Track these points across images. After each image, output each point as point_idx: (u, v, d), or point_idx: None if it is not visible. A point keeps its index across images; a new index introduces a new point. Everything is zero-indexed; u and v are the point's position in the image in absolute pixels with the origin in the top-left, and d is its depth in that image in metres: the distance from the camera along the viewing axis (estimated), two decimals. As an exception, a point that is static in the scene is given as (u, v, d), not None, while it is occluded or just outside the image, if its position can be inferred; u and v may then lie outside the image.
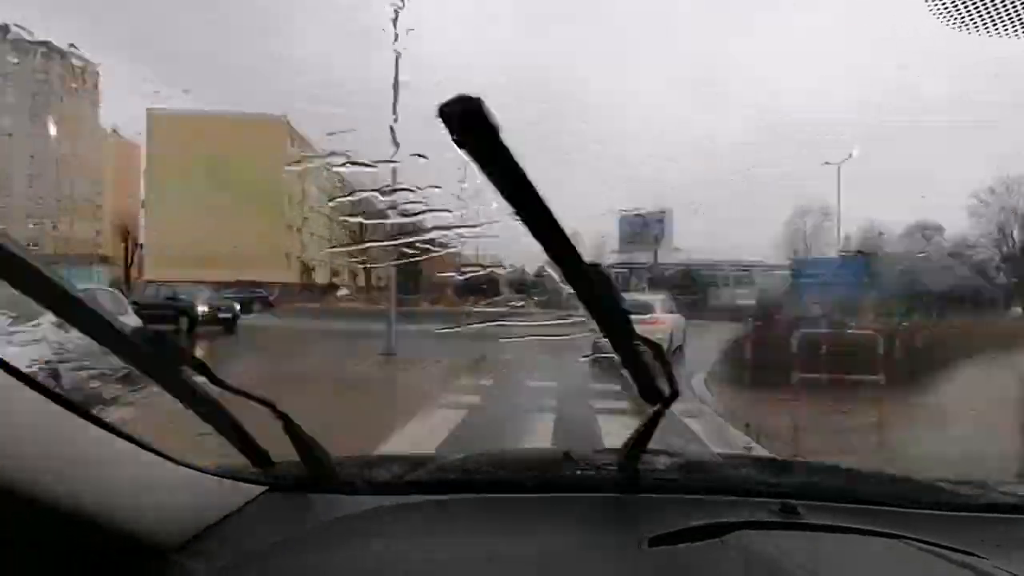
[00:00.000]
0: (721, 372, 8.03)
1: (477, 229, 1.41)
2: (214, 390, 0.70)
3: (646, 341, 0.73)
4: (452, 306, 15.11)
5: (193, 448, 0.79)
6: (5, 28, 24.34)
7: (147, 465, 0.66)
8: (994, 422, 4.69)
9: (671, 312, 10.35)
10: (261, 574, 0.67)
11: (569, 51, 44.24)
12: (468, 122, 0.43)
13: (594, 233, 26.13)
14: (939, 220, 23.47)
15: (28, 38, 27.53)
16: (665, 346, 8.59)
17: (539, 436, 4.64)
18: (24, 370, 0.52)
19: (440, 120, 0.42)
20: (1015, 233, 24.26)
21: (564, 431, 4.79)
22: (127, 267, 31.32)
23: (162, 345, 0.63)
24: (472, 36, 43.59)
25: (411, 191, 1.49)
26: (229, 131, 26.11)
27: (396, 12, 1.93)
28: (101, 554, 0.59)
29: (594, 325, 0.65)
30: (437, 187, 1.39)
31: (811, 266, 18.56)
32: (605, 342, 0.70)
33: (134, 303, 10.03)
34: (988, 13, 1.72)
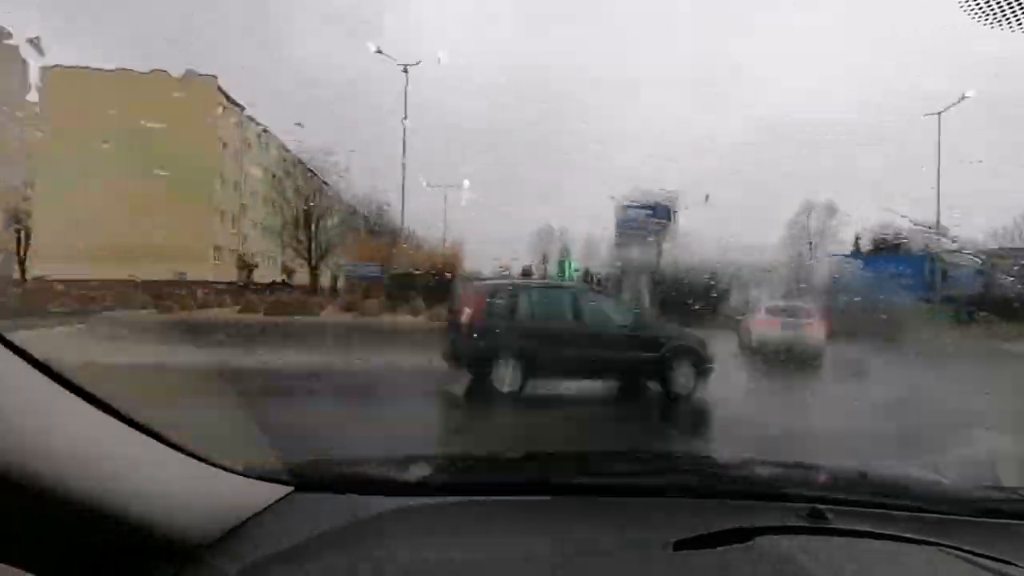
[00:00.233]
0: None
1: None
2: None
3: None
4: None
5: (221, 448, 0.87)
6: None
7: (176, 464, 0.76)
8: None
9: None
10: (288, 573, 0.75)
11: (569, 51, 46.80)
12: None
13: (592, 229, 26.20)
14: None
15: None
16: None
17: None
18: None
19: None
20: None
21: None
22: (20, 260, 29.65)
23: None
24: (471, 36, 44.73)
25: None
26: (142, 93, 23.86)
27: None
28: (128, 551, 0.67)
29: None
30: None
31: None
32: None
33: None
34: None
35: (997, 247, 23.15)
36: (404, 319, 10.42)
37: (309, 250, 25.11)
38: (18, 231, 29.78)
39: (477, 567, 0.79)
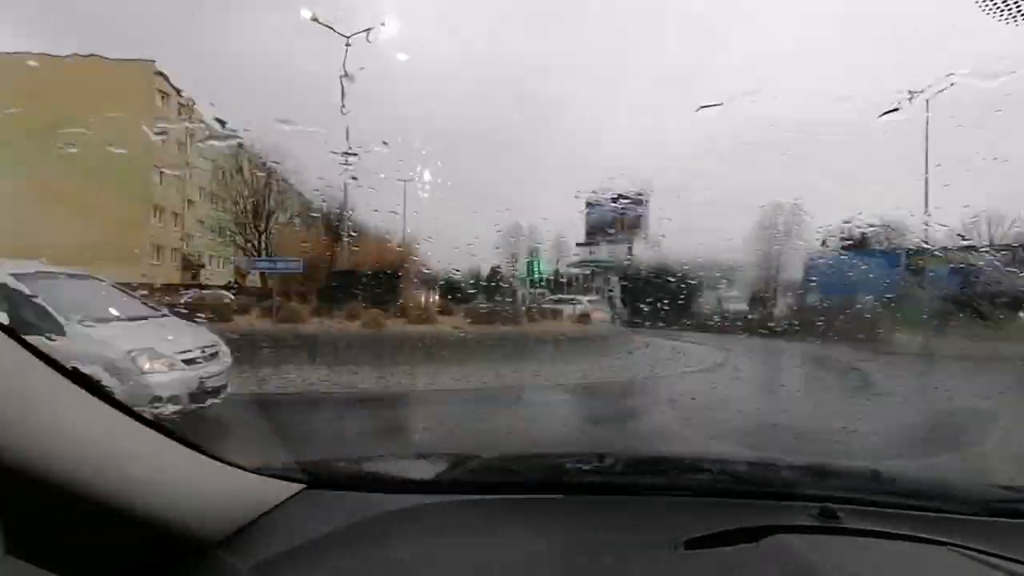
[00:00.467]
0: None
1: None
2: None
3: None
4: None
5: (234, 446, 1.19)
6: None
7: (190, 461, 0.78)
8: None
9: None
10: (299, 570, 0.77)
11: (543, 44, 45.56)
12: None
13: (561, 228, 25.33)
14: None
15: None
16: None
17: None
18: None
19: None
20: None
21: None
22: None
23: None
24: (450, 36, 43.48)
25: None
26: (69, 79, 22.50)
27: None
28: (144, 548, 0.68)
29: None
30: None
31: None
32: None
33: None
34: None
35: (963, 245, 23.27)
36: (336, 325, 9.11)
37: (258, 249, 23.59)
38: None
39: (487, 565, 0.80)
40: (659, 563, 0.82)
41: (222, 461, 0.83)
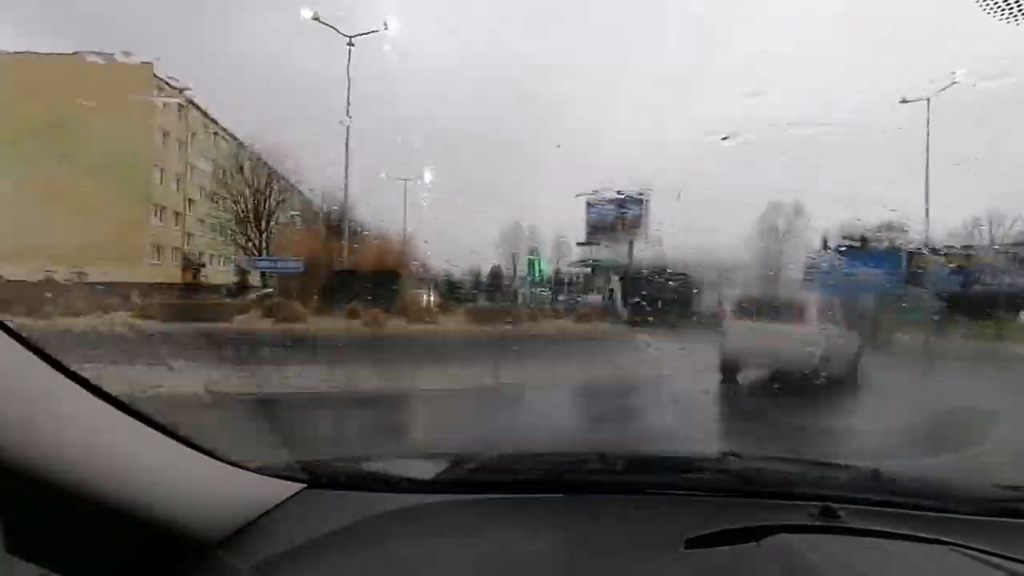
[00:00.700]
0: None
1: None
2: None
3: None
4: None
5: (235, 445, 0.89)
6: None
7: (190, 461, 0.78)
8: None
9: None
10: (300, 570, 0.77)
11: (545, 44, 45.57)
12: None
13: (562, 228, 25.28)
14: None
15: None
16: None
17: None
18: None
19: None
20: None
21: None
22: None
23: None
24: (450, 36, 43.39)
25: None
26: (70, 78, 22.41)
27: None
28: (144, 547, 0.68)
29: None
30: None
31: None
32: None
33: None
34: None
35: (964, 244, 23.22)
36: (336, 325, 9.10)
37: (258, 248, 23.58)
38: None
39: (488, 564, 0.80)
40: (660, 562, 0.82)
41: (223, 460, 0.84)
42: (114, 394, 0.68)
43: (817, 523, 0.91)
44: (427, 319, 10.88)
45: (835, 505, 0.95)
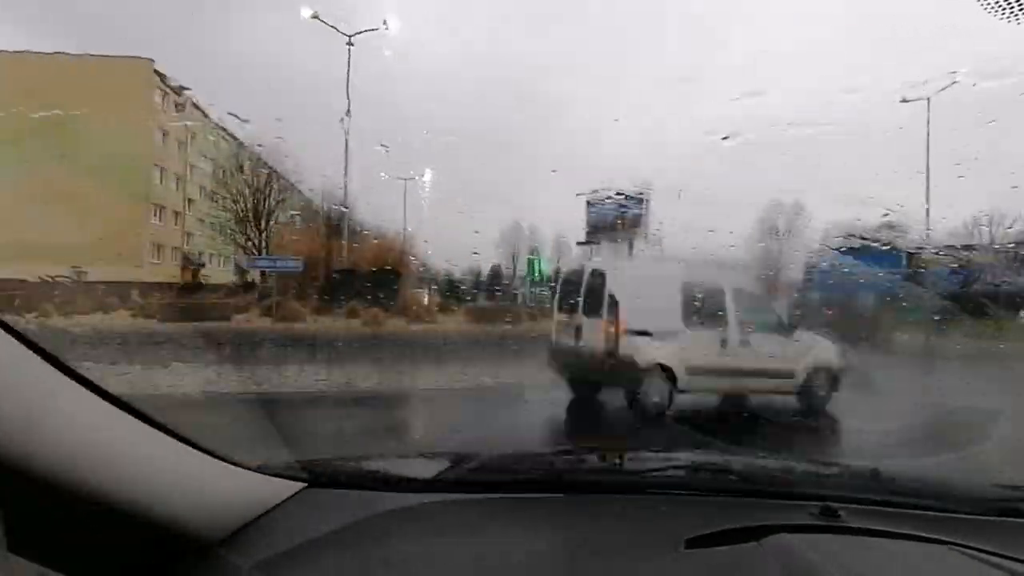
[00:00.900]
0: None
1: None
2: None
3: None
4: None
5: (235, 444, 0.89)
6: None
7: (191, 459, 0.78)
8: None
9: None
10: (301, 569, 0.77)
11: (545, 44, 45.45)
12: None
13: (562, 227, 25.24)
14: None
15: None
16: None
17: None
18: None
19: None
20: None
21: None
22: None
23: None
24: (450, 36, 43.31)
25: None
26: (68, 76, 22.36)
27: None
28: (145, 546, 0.68)
29: None
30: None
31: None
32: None
33: None
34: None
35: (964, 244, 23.19)
36: (336, 324, 9.08)
37: (258, 247, 23.54)
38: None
39: (488, 564, 0.79)
40: (660, 562, 0.82)
41: (223, 460, 0.83)
42: (115, 393, 0.68)
43: (817, 523, 0.90)
44: (427, 319, 10.88)
45: (835, 505, 0.94)
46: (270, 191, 24.31)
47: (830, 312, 12.20)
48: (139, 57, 24.01)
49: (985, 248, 21.79)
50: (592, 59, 44.90)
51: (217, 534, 0.76)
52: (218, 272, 28.67)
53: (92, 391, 0.66)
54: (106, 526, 0.64)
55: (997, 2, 2.29)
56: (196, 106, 28.40)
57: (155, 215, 27.97)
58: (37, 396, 0.60)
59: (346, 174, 17.45)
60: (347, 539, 0.84)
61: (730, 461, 1.24)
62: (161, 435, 0.74)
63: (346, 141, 17.14)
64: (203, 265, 28.71)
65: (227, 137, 27.23)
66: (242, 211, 24.52)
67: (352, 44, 18.07)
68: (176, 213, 29.49)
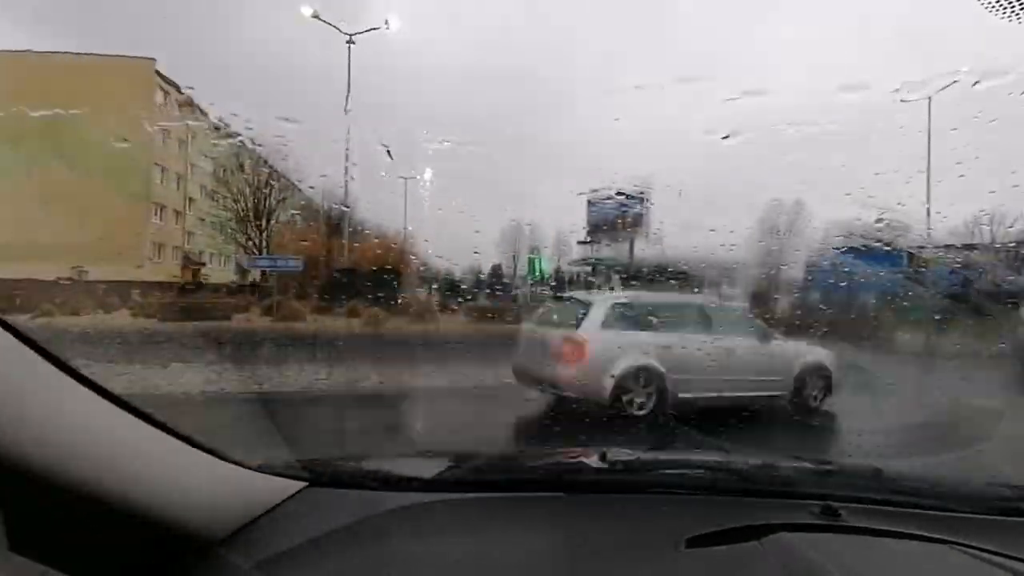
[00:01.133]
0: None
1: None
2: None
3: None
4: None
5: (236, 444, 0.89)
6: None
7: (192, 459, 0.78)
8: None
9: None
10: (302, 568, 0.77)
11: (550, 41, 45.32)
12: None
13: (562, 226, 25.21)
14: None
15: None
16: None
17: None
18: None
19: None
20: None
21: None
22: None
23: None
24: (450, 35, 43.27)
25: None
26: (68, 76, 22.37)
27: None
28: (146, 545, 0.68)
29: None
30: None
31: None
32: None
33: None
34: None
35: (965, 243, 23.16)
36: (336, 323, 9.09)
37: (258, 247, 23.55)
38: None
39: (489, 563, 0.79)
40: (661, 561, 0.81)
41: (224, 459, 0.83)
42: (115, 392, 0.68)
43: (818, 522, 0.90)
44: (427, 318, 10.87)
45: (836, 504, 0.94)
46: (271, 190, 24.32)
47: (830, 311, 12.18)
48: (140, 57, 24.04)
49: (986, 247, 21.77)
50: (592, 59, 44.88)
51: (218, 533, 0.76)
52: (218, 271, 28.69)
53: (93, 390, 0.66)
54: (107, 525, 0.64)
55: (997, 2, 2.28)
56: (197, 106, 28.45)
57: (156, 214, 27.96)
58: (38, 395, 0.60)
59: (346, 173, 17.45)
60: (348, 539, 0.84)
61: (730, 461, 1.24)
62: (162, 434, 0.74)
63: (347, 140, 17.13)
64: (203, 264, 28.75)
65: (227, 136, 27.26)
66: (243, 210, 24.55)
67: (353, 43, 18.07)
68: (177, 212, 29.49)
